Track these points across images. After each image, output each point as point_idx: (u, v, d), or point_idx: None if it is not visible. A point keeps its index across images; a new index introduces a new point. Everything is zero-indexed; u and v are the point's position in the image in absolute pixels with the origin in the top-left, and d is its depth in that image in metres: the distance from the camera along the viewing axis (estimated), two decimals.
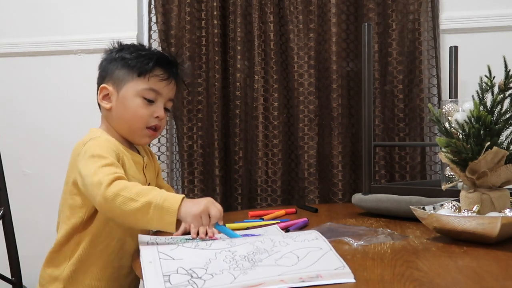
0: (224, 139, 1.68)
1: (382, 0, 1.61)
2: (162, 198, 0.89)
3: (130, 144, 1.16)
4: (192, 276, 0.69)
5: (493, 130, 0.89)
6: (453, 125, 0.96)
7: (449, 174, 1.12)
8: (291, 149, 1.67)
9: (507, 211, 0.90)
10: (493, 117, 0.90)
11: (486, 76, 0.90)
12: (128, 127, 1.12)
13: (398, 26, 1.59)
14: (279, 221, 1.17)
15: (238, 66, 1.65)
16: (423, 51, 1.58)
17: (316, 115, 1.63)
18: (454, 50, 1.52)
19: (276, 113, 1.64)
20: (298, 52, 1.64)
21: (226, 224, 1.08)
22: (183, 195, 0.91)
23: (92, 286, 1.05)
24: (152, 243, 0.92)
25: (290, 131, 1.67)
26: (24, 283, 1.28)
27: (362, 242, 0.90)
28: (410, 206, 0.97)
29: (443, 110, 1.09)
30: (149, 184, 1.14)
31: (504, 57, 0.89)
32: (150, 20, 1.73)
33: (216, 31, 1.65)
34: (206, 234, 1.02)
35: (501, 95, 0.90)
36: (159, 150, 1.71)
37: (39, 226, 1.71)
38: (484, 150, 0.88)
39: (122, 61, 1.12)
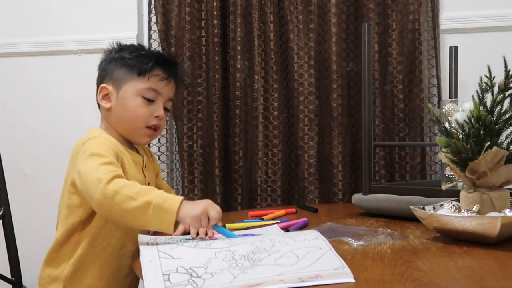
0: (224, 139, 1.68)
1: (382, 0, 1.61)
2: (161, 198, 0.89)
3: (129, 144, 1.16)
4: (191, 275, 0.69)
5: (493, 130, 0.89)
6: (453, 125, 0.96)
7: (449, 174, 1.12)
8: (291, 149, 1.67)
9: (507, 211, 0.90)
10: (493, 117, 0.90)
11: (486, 76, 0.90)
12: (128, 127, 1.12)
13: (398, 26, 1.59)
14: (279, 221, 1.17)
15: (238, 66, 1.65)
16: (423, 51, 1.58)
17: (316, 115, 1.63)
18: (454, 50, 1.52)
19: (276, 113, 1.64)
20: (298, 52, 1.64)
21: (226, 224, 1.08)
22: (182, 197, 0.91)
23: (92, 286, 1.04)
24: (152, 243, 0.92)
25: (290, 131, 1.67)
26: (24, 283, 1.28)
27: (362, 242, 0.90)
28: (410, 206, 0.97)
29: (443, 110, 1.09)
30: (148, 184, 1.14)
31: (504, 57, 0.89)
32: (150, 20, 1.73)
33: (216, 31, 1.65)
34: (206, 234, 1.01)
35: (501, 95, 0.90)
36: (159, 150, 1.71)
37: (39, 226, 1.71)
38: (484, 150, 0.88)
39: (122, 61, 1.12)
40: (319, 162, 1.63)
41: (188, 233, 1.04)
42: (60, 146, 1.67)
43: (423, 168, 1.58)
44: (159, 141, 1.71)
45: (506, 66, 0.90)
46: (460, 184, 1.06)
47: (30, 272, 1.30)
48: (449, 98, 1.52)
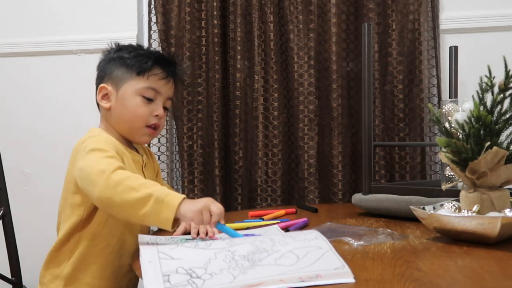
0: (224, 139, 1.68)
1: (382, 0, 1.61)
2: (164, 193, 0.88)
3: (129, 144, 1.16)
4: (191, 276, 0.69)
5: (493, 130, 0.89)
6: (453, 125, 0.96)
7: (449, 174, 1.12)
8: (291, 149, 1.67)
9: (507, 211, 0.90)
10: (493, 117, 0.90)
11: (486, 76, 0.90)
12: (128, 126, 1.12)
13: (398, 26, 1.59)
14: (279, 221, 1.17)
15: (238, 66, 1.65)
16: (423, 51, 1.58)
17: (316, 115, 1.63)
18: (454, 50, 1.52)
19: (276, 113, 1.64)
20: (298, 52, 1.64)
21: (226, 224, 1.08)
22: (184, 195, 0.90)
23: (92, 285, 1.05)
24: (152, 243, 0.92)
25: (290, 131, 1.67)
26: (24, 283, 1.28)
27: (362, 242, 0.90)
28: (410, 206, 0.97)
29: (443, 110, 1.09)
30: None
31: (504, 57, 0.88)
32: (150, 20, 1.73)
33: (216, 31, 1.65)
34: (206, 234, 1.01)
35: (501, 95, 0.90)
36: (159, 150, 1.71)
37: (39, 226, 1.71)
38: (484, 150, 0.88)
39: (121, 60, 1.12)
40: (319, 162, 1.63)
41: (189, 233, 1.04)
42: (60, 146, 1.67)
43: (423, 168, 1.58)
44: (159, 141, 1.71)
45: (506, 66, 0.89)
46: (460, 184, 1.06)
47: (30, 272, 1.30)
48: (449, 98, 1.52)
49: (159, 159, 1.68)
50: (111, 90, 1.12)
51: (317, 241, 0.79)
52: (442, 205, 1.00)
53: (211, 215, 0.90)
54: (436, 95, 1.58)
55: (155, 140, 1.70)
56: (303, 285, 0.66)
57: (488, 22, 1.58)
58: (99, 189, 0.91)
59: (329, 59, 1.60)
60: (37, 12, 1.83)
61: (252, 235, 0.97)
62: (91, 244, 1.04)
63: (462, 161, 0.91)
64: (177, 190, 1.72)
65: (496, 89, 0.90)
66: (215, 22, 1.65)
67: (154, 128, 1.14)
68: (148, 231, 1.18)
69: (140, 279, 0.83)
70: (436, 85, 1.58)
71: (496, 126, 0.90)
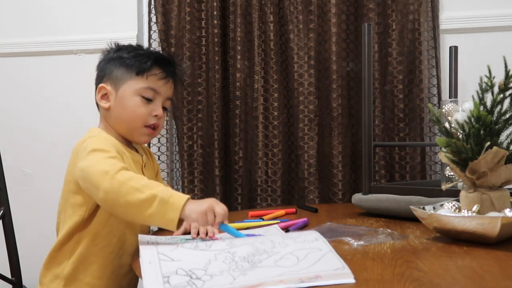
0: (224, 139, 1.68)
1: (382, 0, 1.61)
2: (168, 193, 0.89)
3: (128, 143, 1.16)
4: (191, 277, 0.69)
5: (493, 130, 0.89)
6: (453, 125, 0.96)
7: (449, 174, 1.12)
8: (291, 149, 1.67)
9: (507, 211, 0.90)
10: (493, 117, 0.90)
11: (486, 76, 0.90)
12: (127, 126, 1.13)
13: (398, 26, 1.59)
14: (279, 221, 1.17)
15: (238, 66, 1.65)
16: (423, 51, 1.58)
17: (316, 115, 1.63)
18: (454, 50, 1.52)
19: (276, 113, 1.64)
20: (298, 52, 1.64)
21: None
22: (188, 196, 0.90)
23: (93, 285, 1.05)
24: (152, 243, 0.92)
25: (290, 131, 1.67)
26: (24, 283, 1.28)
27: (362, 242, 0.90)
28: (410, 206, 0.97)
29: (443, 110, 1.09)
30: None
31: (504, 57, 0.88)
32: (150, 20, 1.73)
33: (216, 31, 1.65)
34: (206, 234, 1.01)
35: (501, 95, 0.90)
36: (159, 150, 1.71)
37: (39, 226, 1.71)
38: (484, 150, 0.88)
39: (120, 60, 1.12)
40: (319, 162, 1.63)
41: (189, 233, 1.04)
42: (60, 146, 1.67)
43: (423, 168, 1.58)
44: (159, 141, 1.71)
45: (506, 66, 0.89)
46: (460, 184, 1.06)
47: (30, 272, 1.30)
48: (449, 98, 1.52)
49: (159, 159, 1.68)
50: (111, 90, 1.12)
51: (317, 242, 0.79)
52: (442, 205, 1.00)
53: (215, 216, 0.90)
54: (436, 95, 1.58)
55: (155, 140, 1.70)
56: (303, 286, 0.65)
57: (488, 22, 1.58)
58: (104, 191, 0.91)
59: (329, 59, 1.60)
60: (37, 12, 1.83)
61: (253, 235, 0.97)
62: (92, 243, 1.05)
63: (462, 161, 0.91)
64: (177, 190, 1.70)
65: (496, 89, 0.90)
66: (215, 22, 1.65)
67: (153, 128, 1.14)
68: (148, 231, 1.18)
69: (140, 279, 0.83)
70: (436, 85, 1.58)
71: (496, 126, 0.90)
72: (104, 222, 1.05)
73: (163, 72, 1.13)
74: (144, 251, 0.80)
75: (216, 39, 1.65)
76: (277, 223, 1.14)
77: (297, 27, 1.64)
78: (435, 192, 1.16)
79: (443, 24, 1.60)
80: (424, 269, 0.73)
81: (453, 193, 1.06)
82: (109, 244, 1.06)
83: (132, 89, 1.11)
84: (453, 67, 1.51)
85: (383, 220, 1.19)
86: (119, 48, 1.16)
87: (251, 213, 1.30)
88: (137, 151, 1.18)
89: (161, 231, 1.13)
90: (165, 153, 1.72)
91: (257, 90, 1.65)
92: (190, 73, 1.68)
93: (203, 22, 1.70)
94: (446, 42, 1.60)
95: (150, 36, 1.73)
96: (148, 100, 1.12)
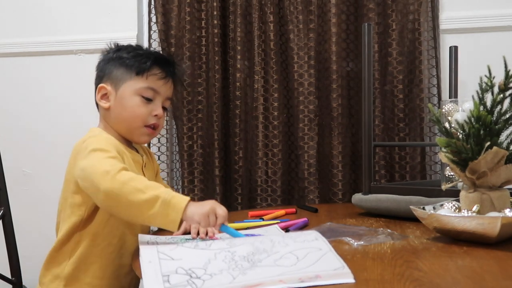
0: (224, 139, 1.68)
1: (382, 0, 1.61)
2: (170, 195, 0.89)
3: (129, 144, 1.16)
4: (191, 276, 0.69)
5: (493, 130, 0.89)
6: (453, 125, 0.96)
7: (449, 174, 1.12)
8: (291, 149, 1.67)
9: (507, 211, 0.90)
10: (493, 117, 0.90)
11: (486, 76, 0.90)
12: (127, 126, 1.13)
13: (398, 26, 1.59)
14: (279, 221, 1.17)
15: (238, 66, 1.65)
16: (423, 51, 1.58)
17: (316, 115, 1.63)
18: (454, 50, 1.52)
19: (276, 113, 1.64)
20: (298, 52, 1.64)
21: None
22: (189, 197, 0.91)
23: (93, 285, 1.05)
24: (152, 243, 0.92)
25: (290, 131, 1.67)
26: (24, 283, 1.28)
27: (362, 242, 0.90)
28: (410, 206, 0.97)
29: (443, 110, 1.09)
30: None
31: (504, 57, 0.88)
32: (150, 20, 1.73)
33: (216, 31, 1.65)
34: (206, 234, 1.02)
35: (501, 95, 0.90)
36: (159, 150, 1.71)
37: (39, 226, 1.71)
38: (484, 150, 0.88)
39: (120, 60, 1.12)
40: (319, 162, 1.63)
41: (189, 233, 1.04)
42: (60, 146, 1.67)
43: (423, 168, 1.58)
44: (159, 141, 1.71)
45: (506, 66, 0.89)
46: (460, 184, 1.06)
47: (30, 272, 1.30)
48: (449, 98, 1.52)
49: (159, 159, 1.68)
50: (110, 90, 1.12)
51: (317, 242, 0.79)
52: (442, 205, 1.00)
53: (216, 217, 0.91)
54: (436, 95, 1.58)
55: (155, 140, 1.70)
56: (302, 286, 0.65)
57: (488, 22, 1.58)
58: (104, 191, 0.91)
59: (329, 59, 1.60)
60: (37, 12, 1.83)
61: (253, 235, 0.97)
62: (92, 243, 1.04)
63: (462, 161, 0.91)
64: (177, 190, 1.72)
65: (496, 89, 0.90)
66: (215, 22, 1.65)
67: (153, 128, 1.14)
68: (148, 231, 1.18)
69: (141, 278, 0.83)
70: (436, 85, 1.58)
71: (496, 126, 0.90)
72: (105, 222, 1.05)
73: (163, 72, 1.14)
74: (144, 250, 0.81)
75: (216, 39, 1.65)
76: (277, 223, 1.14)
77: (297, 27, 1.64)
78: (435, 192, 1.16)
79: (443, 24, 1.60)
80: (424, 269, 0.73)
81: (453, 193, 1.06)
82: (109, 244, 1.06)
83: (132, 89, 1.11)
84: (453, 67, 1.51)
85: (383, 220, 1.19)
86: (118, 48, 1.16)
87: (251, 213, 1.30)
88: (137, 151, 1.18)
89: (161, 231, 1.13)
90: (165, 153, 1.72)
91: (257, 90, 1.65)
92: (190, 73, 1.68)
93: (203, 22, 1.70)
94: (446, 42, 1.60)
95: (150, 36, 1.73)
96: (148, 100, 1.12)
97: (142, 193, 0.89)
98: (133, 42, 1.64)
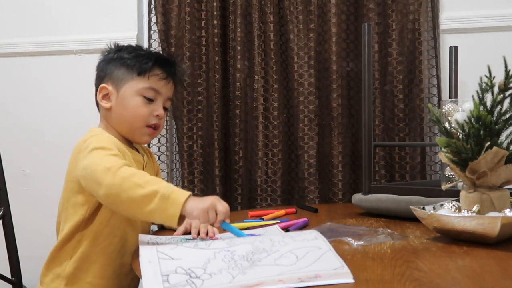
0: (224, 139, 1.68)
1: (382, 0, 1.61)
2: (169, 190, 0.89)
3: (129, 143, 1.16)
4: (190, 276, 0.69)
5: (493, 130, 0.89)
6: (453, 125, 0.96)
7: (449, 174, 1.12)
8: (291, 149, 1.67)
9: (507, 211, 0.90)
10: (493, 117, 0.90)
11: (486, 76, 0.90)
12: (128, 126, 1.13)
13: (398, 26, 1.59)
14: (279, 221, 1.17)
15: (238, 66, 1.65)
16: (423, 51, 1.58)
17: (316, 115, 1.63)
18: (454, 50, 1.52)
19: (276, 113, 1.64)
20: (298, 52, 1.64)
21: None
22: (190, 192, 0.90)
23: (94, 284, 1.05)
24: (153, 243, 0.92)
25: (290, 131, 1.67)
26: (24, 283, 1.28)
27: (362, 242, 0.90)
28: (410, 206, 0.97)
29: (443, 110, 1.09)
30: None
31: (504, 57, 0.88)
32: (150, 20, 1.73)
33: (216, 31, 1.65)
34: (207, 234, 1.02)
35: (501, 95, 0.90)
36: (159, 150, 1.71)
37: (39, 226, 1.71)
38: (484, 150, 0.88)
39: (121, 61, 1.13)
40: (319, 162, 1.63)
41: (189, 233, 1.04)
42: (60, 146, 1.67)
43: (423, 168, 1.58)
44: (159, 141, 1.71)
45: (506, 66, 0.89)
46: (460, 184, 1.06)
47: (30, 272, 1.30)
48: (449, 98, 1.52)
49: (159, 159, 1.68)
50: (112, 90, 1.12)
51: (317, 241, 0.79)
52: (442, 205, 1.00)
53: (216, 214, 0.90)
54: (436, 95, 1.58)
55: (155, 140, 1.70)
56: (302, 285, 0.65)
57: (488, 22, 1.58)
58: (106, 187, 0.91)
59: (329, 59, 1.60)
60: (37, 12, 1.83)
61: (253, 235, 0.97)
62: (93, 243, 1.05)
63: (462, 161, 0.91)
64: None
65: (496, 89, 0.90)
66: (215, 22, 1.65)
67: (154, 128, 1.15)
68: (149, 231, 1.18)
69: (141, 278, 0.83)
70: (436, 85, 1.58)
71: (496, 126, 0.90)
72: (106, 221, 1.05)
73: (164, 73, 1.14)
74: (143, 250, 0.80)
75: (216, 39, 1.65)
76: (277, 223, 1.14)
77: (297, 27, 1.64)
78: (435, 192, 1.15)
79: (443, 24, 1.60)
80: (424, 269, 0.73)
81: (453, 193, 1.06)
82: (110, 243, 1.06)
83: (133, 89, 1.11)
84: (453, 67, 1.51)
85: (383, 220, 1.19)
86: (119, 49, 1.16)
87: (251, 213, 1.30)
88: (137, 151, 1.18)
89: (161, 231, 1.14)
90: (165, 153, 1.72)
91: (257, 90, 1.65)
92: (190, 73, 1.68)
93: (203, 22, 1.70)
94: (446, 42, 1.60)
95: (150, 36, 1.73)
96: (149, 100, 1.12)
97: (141, 188, 0.88)
98: (133, 42, 1.64)
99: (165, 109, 1.16)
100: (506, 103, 0.91)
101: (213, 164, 1.65)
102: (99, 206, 1.04)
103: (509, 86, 0.90)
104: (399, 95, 1.59)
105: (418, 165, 1.58)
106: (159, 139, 1.71)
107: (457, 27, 1.60)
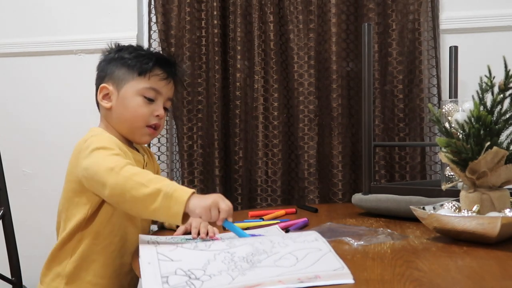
0: (224, 139, 1.68)
1: (382, 0, 1.61)
2: (172, 188, 0.89)
3: (129, 143, 1.16)
4: (190, 277, 0.69)
5: (493, 130, 0.89)
6: (453, 125, 0.96)
7: (449, 174, 1.12)
8: (291, 149, 1.67)
9: (507, 211, 0.90)
10: (493, 117, 0.90)
11: (486, 76, 0.90)
12: (129, 126, 1.13)
13: (398, 26, 1.59)
14: (279, 221, 1.17)
15: (238, 66, 1.65)
16: (423, 51, 1.58)
17: (316, 115, 1.63)
18: (454, 50, 1.52)
19: (276, 113, 1.64)
20: (298, 52, 1.64)
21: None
22: (193, 190, 0.90)
23: (94, 283, 1.05)
24: (153, 243, 0.92)
25: (290, 131, 1.67)
26: (24, 283, 1.28)
27: (362, 242, 0.90)
28: (410, 206, 0.97)
29: (443, 110, 1.09)
30: None
31: (504, 57, 0.88)
32: (150, 20, 1.73)
33: (216, 31, 1.65)
34: (207, 234, 1.02)
35: (501, 95, 0.90)
36: (159, 150, 1.71)
37: (39, 226, 1.71)
38: (484, 150, 0.88)
39: (122, 61, 1.13)
40: (319, 162, 1.63)
41: (189, 233, 1.04)
42: (60, 146, 1.67)
43: (423, 168, 1.58)
44: (159, 141, 1.71)
45: (506, 66, 0.89)
46: (460, 184, 1.06)
47: (30, 272, 1.30)
48: (449, 98, 1.52)
49: (159, 159, 1.68)
50: (112, 90, 1.13)
51: (317, 242, 0.79)
52: (442, 205, 1.00)
53: (219, 212, 0.90)
54: (436, 95, 1.58)
55: (155, 140, 1.70)
56: (302, 286, 0.65)
57: (488, 22, 1.58)
58: (110, 187, 0.91)
59: (329, 59, 1.60)
60: (37, 12, 1.83)
61: (253, 235, 0.97)
62: (94, 242, 1.05)
63: (462, 161, 0.91)
64: None
65: (496, 89, 0.90)
66: (215, 22, 1.65)
67: (155, 128, 1.15)
68: (149, 231, 1.18)
69: (140, 278, 0.83)
70: (436, 85, 1.58)
71: (496, 126, 0.90)
72: (107, 221, 1.05)
73: (165, 73, 1.14)
74: (143, 251, 0.80)
75: (216, 39, 1.65)
76: (277, 223, 1.14)
77: (297, 27, 1.64)
78: (435, 192, 1.15)
79: (443, 24, 1.60)
80: (424, 269, 0.73)
81: (453, 193, 1.06)
82: (111, 243, 1.06)
83: (134, 89, 1.11)
84: (453, 67, 1.51)
85: (383, 220, 1.19)
86: (120, 49, 1.16)
87: (251, 213, 1.30)
88: (138, 151, 1.18)
89: (161, 231, 1.14)
90: (165, 153, 1.72)
91: (257, 90, 1.65)
92: (190, 73, 1.68)
93: (203, 22, 1.70)
94: (446, 42, 1.60)
95: (150, 36, 1.73)
96: (150, 100, 1.13)
97: (145, 187, 0.89)
98: (133, 42, 1.65)
99: (165, 109, 1.16)
100: (506, 103, 0.90)
101: (213, 164, 1.65)
102: (100, 206, 1.04)
103: (509, 86, 0.90)
104: (399, 95, 1.58)
105: (418, 165, 1.58)
106: (159, 139, 1.71)
107: (457, 27, 1.60)
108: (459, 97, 1.50)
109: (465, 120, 0.91)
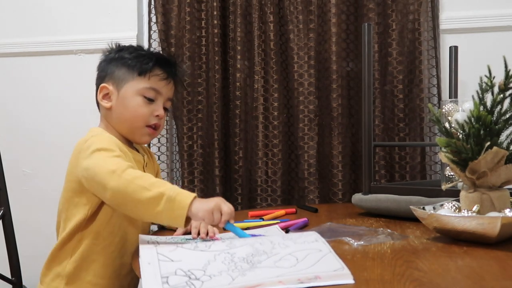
0: (224, 139, 1.68)
1: (382, 0, 1.61)
2: (175, 191, 0.89)
3: (129, 143, 1.16)
4: (190, 278, 0.69)
5: (493, 130, 0.89)
6: (453, 125, 0.96)
7: (449, 174, 1.12)
8: (291, 149, 1.67)
9: (507, 211, 0.90)
10: (493, 117, 0.90)
11: (486, 76, 0.90)
12: (129, 126, 1.13)
13: (398, 26, 1.59)
14: (279, 221, 1.17)
15: (238, 66, 1.65)
16: (423, 51, 1.58)
17: (316, 115, 1.63)
18: (454, 50, 1.52)
19: (276, 113, 1.64)
20: (298, 52, 1.64)
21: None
22: (195, 194, 0.91)
23: (94, 283, 1.05)
24: (153, 243, 0.92)
25: (290, 131, 1.67)
26: (24, 283, 1.28)
27: (362, 242, 0.90)
28: (410, 206, 0.97)
29: (443, 110, 1.09)
30: None
31: (504, 57, 0.88)
32: (150, 20, 1.73)
33: (216, 31, 1.65)
34: (207, 234, 1.02)
35: (501, 95, 0.90)
36: (159, 150, 1.71)
37: (39, 226, 1.71)
38: (484, 150, 0.88)
39: (122, 60, 1.13)
40: (319, 162, 1.63)
41: (189, 233, 1.04)
42: (60, 146, 1.67)
43: (423, 168, 1.58)
44: (159, 141, 1.71)
45: (506, 66, 0.89)
46: (460, 184, 1.06)
47: (30, 272, 1.30)
48: (449, 98, 1.52)
49: (159, 159, 1.68)
50: (112, 90, 1.13)
51: (317, 243, 0.79)
52: (442, 205, 1.00)
53: (221, 215, 0.91)
54: (436, 95, 1.58)
55: (155, 140, 1.70)
56: (302, 286, 0.65)
57: (488, 22, 1.58)
58: (111, 190, 0.92)
59: (329, 59, 1.60)
60: (37, 12, 1.83)
61: (254, 235, 0.97)
62: (94, 242, 1.05)
63: (462, 161, 0.91)
64: None
65: (496, 89, 0.90)
66: (215, 22, 1.65)
67: (154, 128, 1.15)
68: (149, 231, 1.18)
69: (140, 278, 0.84)
70: (436, 85, 1.58)
71: (496, 126, 0.90)
72: (107, 221, 1.05)
73: (165, 73, 1.14)
74: (143, 251, 0.80)
75: (216, 39, 1.65)
76: (277, 223, 1.14)
77: (297, 27, 1.64)
78: (435, 192, 1.15)
79: (443, 24, 1.60)
80: (424, 269, 0.73)
81: (453, 193, 1.06)
82: (111, 243, 1.06)
83: (134, 89, 1.12)
84: (453, 67, 1.51)
85: (383, 220, 1.19)
86: (120, 49, 1.17)
87: (251, 213, 1.30)
88: (137, 151, 1.18)
89: (161, 231, 1.14)
90: (165, 153, 1.72)
91: (257, 90, 1.65)
92: (190, 73, 1.68)
93: (203, 22, 1.70)
94: (446, 42, 1.60)
95: (150, 36, 1.73)
96: (150, 100, 1.13)
97: (147, 191, 0.89)
98: (133, 42, 1.65)
99: (165, 109, 1.16)
100: (506, 103, 0.90)
101: (213, 164, 1.65)
102: (100, 206, 1.04)
103: (509, 86, 0.90)
104: (399, 95, 1.59)
105: (418, 165, 1.58)
106: (159, 139, 1.71)
107: (457, 27, 1.60)
108: (459, 97, 1.50)
109: (465, 120, 0.91)
